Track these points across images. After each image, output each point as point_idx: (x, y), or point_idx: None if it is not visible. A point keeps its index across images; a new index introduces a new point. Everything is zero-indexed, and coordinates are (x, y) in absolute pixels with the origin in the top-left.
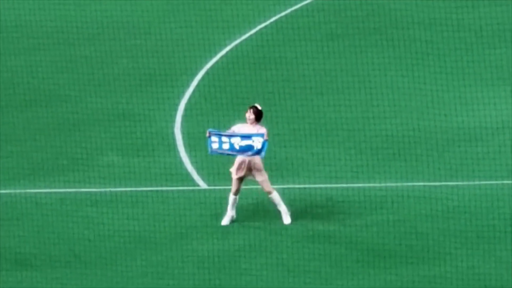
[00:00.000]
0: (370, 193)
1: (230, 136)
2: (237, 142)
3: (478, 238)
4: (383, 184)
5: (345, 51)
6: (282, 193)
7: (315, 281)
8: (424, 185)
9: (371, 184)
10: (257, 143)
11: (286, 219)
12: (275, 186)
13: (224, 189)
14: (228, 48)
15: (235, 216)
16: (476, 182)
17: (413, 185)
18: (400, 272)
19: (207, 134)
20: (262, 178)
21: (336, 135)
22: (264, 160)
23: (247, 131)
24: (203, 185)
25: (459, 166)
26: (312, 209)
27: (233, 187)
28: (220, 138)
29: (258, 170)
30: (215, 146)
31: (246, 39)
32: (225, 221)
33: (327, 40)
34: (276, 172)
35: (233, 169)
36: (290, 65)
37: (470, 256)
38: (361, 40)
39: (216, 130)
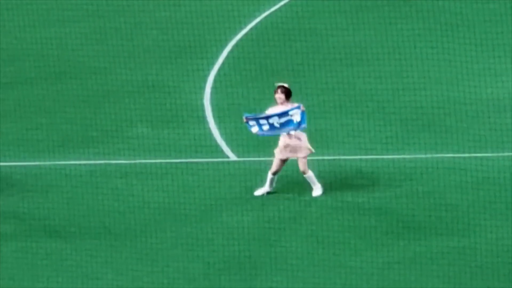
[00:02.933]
0: (399, 164)
1: (267, 117)
2: (276, 121)
3: (507, 209)
4: (412, 156)
5: (375, 23)
6: (312, 164)
7: (344, 253)
8: (453, 157)
9: (401, 156)
10: (296, 116)
11: (316, 192)
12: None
13: (254, 161)
14: (257, 20)
15: (270, 190)
16: (506, 154)
17: (443, 157)
18: (429, 243)
19: (244, 120)
20: (302, 154)
21: (365, 106)
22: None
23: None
24: (232, 156)
25: (488, 137)
26: (341, 180)
27: (274, 167)
28: (258, 121)
29: (302, 147)
30: (255, 130)
31: (275, 11)
32: (259, 192)
33: (357, 12)
34: None
35: (277, 150)
36: (319, 36)
37: (499, 228)
38: (390, 11)
39: (251, 115)
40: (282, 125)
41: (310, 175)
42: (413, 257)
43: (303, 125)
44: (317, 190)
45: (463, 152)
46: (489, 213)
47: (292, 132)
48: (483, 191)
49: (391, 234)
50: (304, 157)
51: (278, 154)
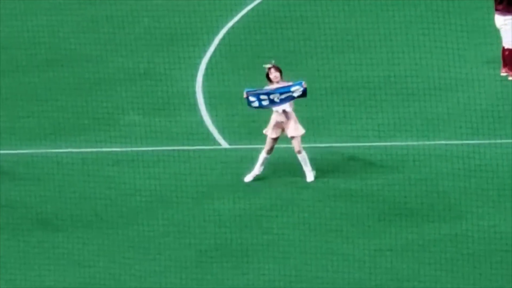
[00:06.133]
0: (391, 151)
1: (268, 93)
2: (277, 97)
3: (499, 196)
4: (404, 143)
5: (366, 10)
6: (304, 151)
7: (336, 240)
8: (445, 144)
9: (393, 143)
10: (297, 92)
11: (309, 177)
12: None
13: (245, 149)
14: (249, 7)
15: (259, 175)
16: (498, 141)
17: (435, 144)
18: (422, 230)
19: (245, 95)
20: (295, 133)
21: (357, 93)
22: None
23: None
24: (224, 144)
25: (480, 125)
26: (333, 168)
27: (267, 146)
28: (258, 97)
29: (292, 125)
30: (254, 105)
31: None
32: (249, 177)
33: None
34: None
35: (267, 130)
36: (311, 24)
37: (491, 215)
38: None
39: (253, 89)
40: (282, 100)
41: (304, 156)
42: (405, 244)
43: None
44: (309, 175)
45: (455, 139)
46: (481, 200)
47: (288, 109)
48: (475, 178)
49: (383, 221)
50: (298, 136)
51: (269, 133)
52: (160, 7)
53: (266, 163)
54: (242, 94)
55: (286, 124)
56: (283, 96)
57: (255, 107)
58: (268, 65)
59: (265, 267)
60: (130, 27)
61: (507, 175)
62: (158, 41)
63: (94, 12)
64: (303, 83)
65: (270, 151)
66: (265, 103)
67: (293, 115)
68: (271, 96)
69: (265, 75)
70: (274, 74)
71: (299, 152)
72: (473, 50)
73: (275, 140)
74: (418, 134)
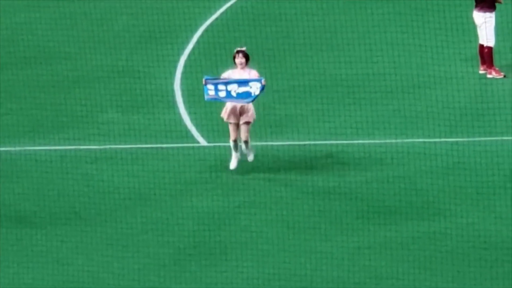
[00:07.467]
0: (369, 149)
1: (226, 83)
2: (235, 90)
3: (477, 194)
4: (382, 141)
5: (345, 7)
6: (282, 149)
7: (315, 238)
8: (424, 141)
9: (371, 141)
10: (254, 88)
11: (250, 157)
12: (275, 143)
13: (224, 146)
14: (227, 5)
15: (240, 157)
16: (476, 139)
17: (413, 141)
18: (400, 228)
19: (203, 82)
20: (247, 120)
21: (336, 91)
22: (264, 116)
23: (239, 77)
24: (202, 142)
25: (458, 122)
26: (311, 165)
27: (231, 133)
28: (216, 86)
29: (248, 113)
30: (211, 93)
31: None
32: (233, 164)
33: None
34: (275, 128)
35: (224, 114)
36: (289, 21)
37: (470, 212)
38: None
39: (212, 78)
40: (239, 95)
41: (250, 143)
42: (383, 242)
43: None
44: (250, 156)
45: (434, 137)
46: (460, 198)
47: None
48: (453, 176)
49: (361, 219)
50: (248, 123)
51: (226, 119)
52: (138, 5)
53: (238, 147)
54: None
55: (242, 109)
56: (240, 90)
57: (210, 98)
58: (238, 48)
59: (244, 265)
60: (108, 24)
61: (486, 173)
62: (137, 39)
63: (73, 10)
64: (263, 80)
65: (235, 138)
66: (222, 94)
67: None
68: (229, 88)
69: (232, 57)
70: (240, 60)
71: (246, 140)
72: (451, 47)
73: (236, 125)
74: (397, 131)
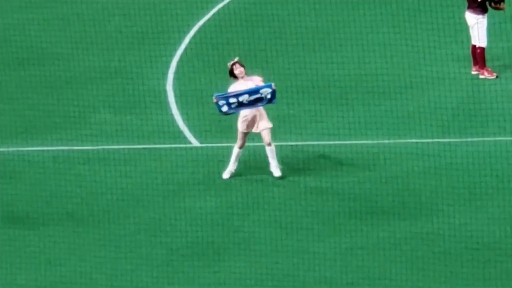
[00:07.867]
0: (362, 150)
1: (237, 95)
2: (246, 99)
3: (470, 194)
4: (375, 141)
5: (337, 8)
6: (275, 150)
7: (307, 238)
8: (416, 142)
9: (364, 141)
10: (265, 94)
11: (277, 172)
12: None
13: (216, 147)
14: (220, 6)
15: (235, 170)
16: (469, 139)
17: (406, 142)
18: (393, 229)
19: (214, 100)
20: (266, 126)
21: (328, 92)
22: None
23: (246, 87)
24: (195, 142)
25: (451, 123)
26: (304, 166)
27: (239, 141)
28: (227, 100)
29: (263, 119)
30: (224, 109)
31: None
32: (226, 174)
33: None
34: None
35: (241, 124)
36: (282, 22)
37: (462, 213)
38: None
39: (221, 94)
40: (251, 102)
41: (273, 149)
42: (376, 243)
43: (274, 101)
44: (276, 170)
45: (426, 138)
46: (452, 198)
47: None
48: (446, 176)
49: (354, 219)
50: (268, 129)
51: (244, 129)
52: (131, 6)
53: (240, 158)
54: (213, 92)
55: (257, 118)
56: (252, 98)
57: (225, 113)
58: (232, 62)
59: (236, 265)
60: (101, 25)
61: (478, 173)
62: (129, 40)
63: (65, 11)
64: (272, 85)
65: (242, 146)
66: (234, 106)
67: (262, 109)
68: (240, 98)
69: (228, 73)
70: (239, 70)
71: (269, 144)
72: (443, 48)
73: (245, 134)
74: (389, 132)
